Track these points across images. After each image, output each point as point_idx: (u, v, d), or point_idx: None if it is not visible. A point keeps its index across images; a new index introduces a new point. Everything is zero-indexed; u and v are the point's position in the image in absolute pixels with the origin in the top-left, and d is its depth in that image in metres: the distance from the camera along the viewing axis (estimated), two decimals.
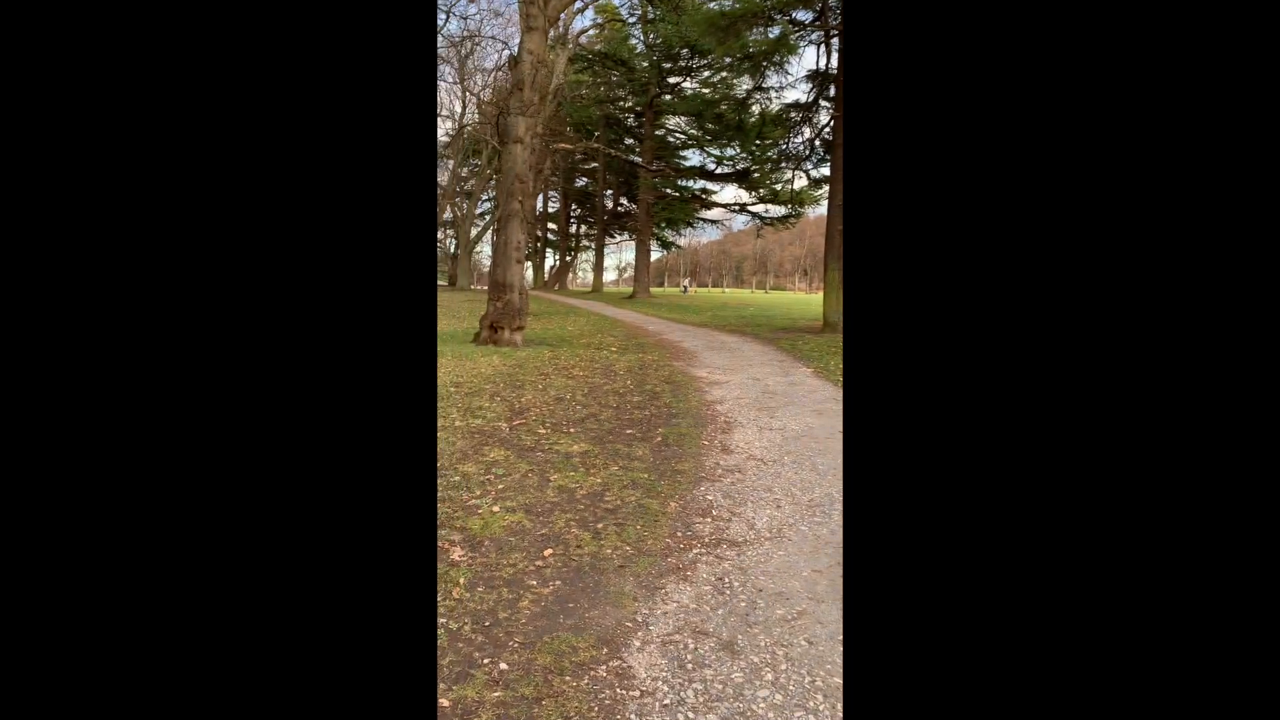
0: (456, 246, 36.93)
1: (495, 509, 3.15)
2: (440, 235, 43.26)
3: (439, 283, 43.17)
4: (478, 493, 3.38)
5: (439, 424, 4.85)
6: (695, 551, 2.77)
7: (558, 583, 2.45)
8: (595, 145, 23.47)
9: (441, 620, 2.14)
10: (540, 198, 41.93)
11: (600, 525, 3.00)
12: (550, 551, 2.71)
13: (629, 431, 4.81)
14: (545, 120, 17.94)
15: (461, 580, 2.43)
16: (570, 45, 18.49)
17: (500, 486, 3.49)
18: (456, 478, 3.60)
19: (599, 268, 35.74)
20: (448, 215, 39.53)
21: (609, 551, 2.73)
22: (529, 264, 44.14)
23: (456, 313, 16.54)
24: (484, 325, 9.65)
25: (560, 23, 18.37)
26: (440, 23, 22.67)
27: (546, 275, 42.62)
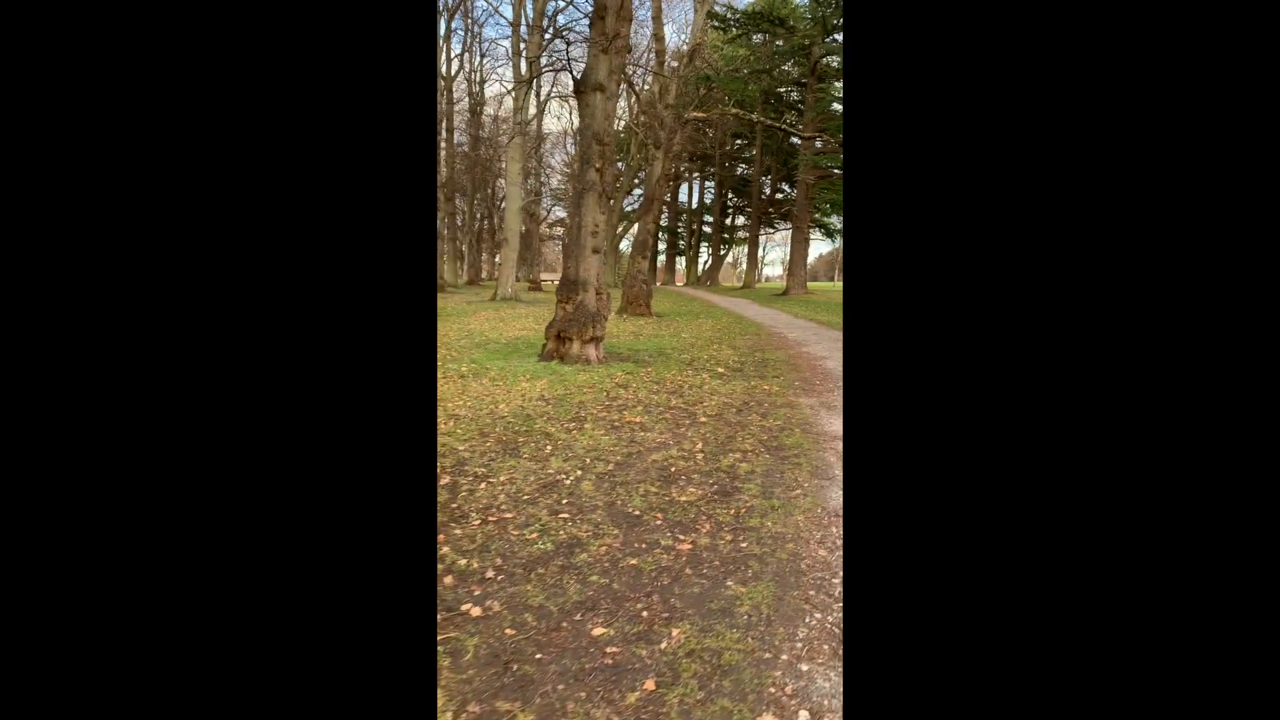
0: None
1: None
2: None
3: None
4: None
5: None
6: None
7: None
8: (734, 111, 19.99)
9: None
10: (695, 186, 39.51)
11: None
12: None
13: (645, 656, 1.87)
14: (692, 87, 15.32)
15: None
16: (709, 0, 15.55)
17: None
18: None
19: (752, 260, 32.42)
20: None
21: None
22: (681, 258, 42.04)
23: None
24: (549, 335, 7.28)
25: None
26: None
27: (700, 271, 39.92)
